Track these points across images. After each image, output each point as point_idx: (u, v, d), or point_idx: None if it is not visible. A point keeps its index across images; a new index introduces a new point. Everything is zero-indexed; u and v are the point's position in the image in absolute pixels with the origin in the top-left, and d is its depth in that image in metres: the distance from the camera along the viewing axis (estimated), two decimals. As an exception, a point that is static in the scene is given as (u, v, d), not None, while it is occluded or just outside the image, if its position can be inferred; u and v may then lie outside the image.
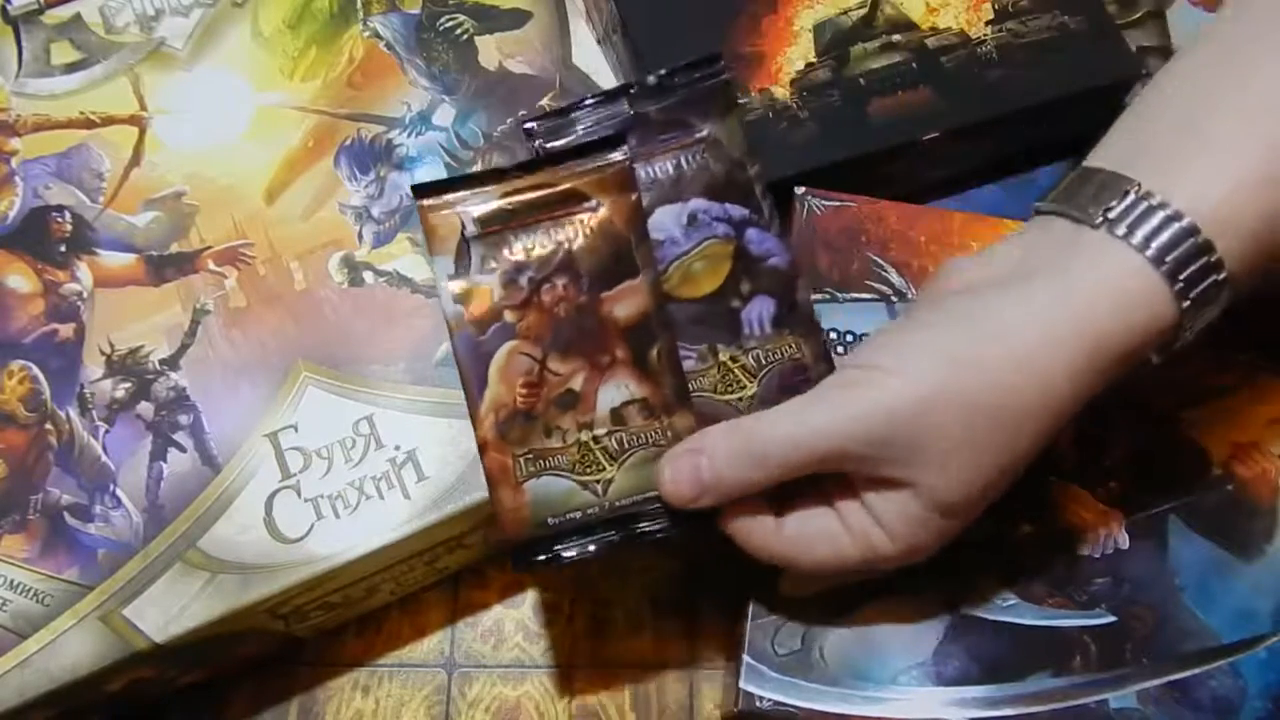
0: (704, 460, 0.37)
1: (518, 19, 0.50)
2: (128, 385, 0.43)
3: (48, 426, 0.43)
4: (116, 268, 0.45)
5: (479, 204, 0.40)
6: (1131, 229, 0.34)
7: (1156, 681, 0.41)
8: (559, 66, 0.49)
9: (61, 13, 0.49)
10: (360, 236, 0.46)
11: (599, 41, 0.51)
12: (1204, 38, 0.37)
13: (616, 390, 0.39)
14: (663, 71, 0.42)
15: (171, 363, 0.44)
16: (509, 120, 0.48)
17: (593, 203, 0.40)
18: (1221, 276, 0.34)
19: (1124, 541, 0.43)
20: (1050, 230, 0.36)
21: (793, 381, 0.40)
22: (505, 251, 0.40)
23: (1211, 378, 0.43)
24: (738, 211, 0.42)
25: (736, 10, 0.51)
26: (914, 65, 0.50)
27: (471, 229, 0.40)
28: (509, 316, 0.39)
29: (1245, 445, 0.44)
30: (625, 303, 0.39)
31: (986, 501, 0.36)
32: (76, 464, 0.42)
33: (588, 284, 0.39)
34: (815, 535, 0.37)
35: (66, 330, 0.44)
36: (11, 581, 0.41)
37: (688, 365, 0.40)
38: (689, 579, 0.51)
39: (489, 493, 0.39)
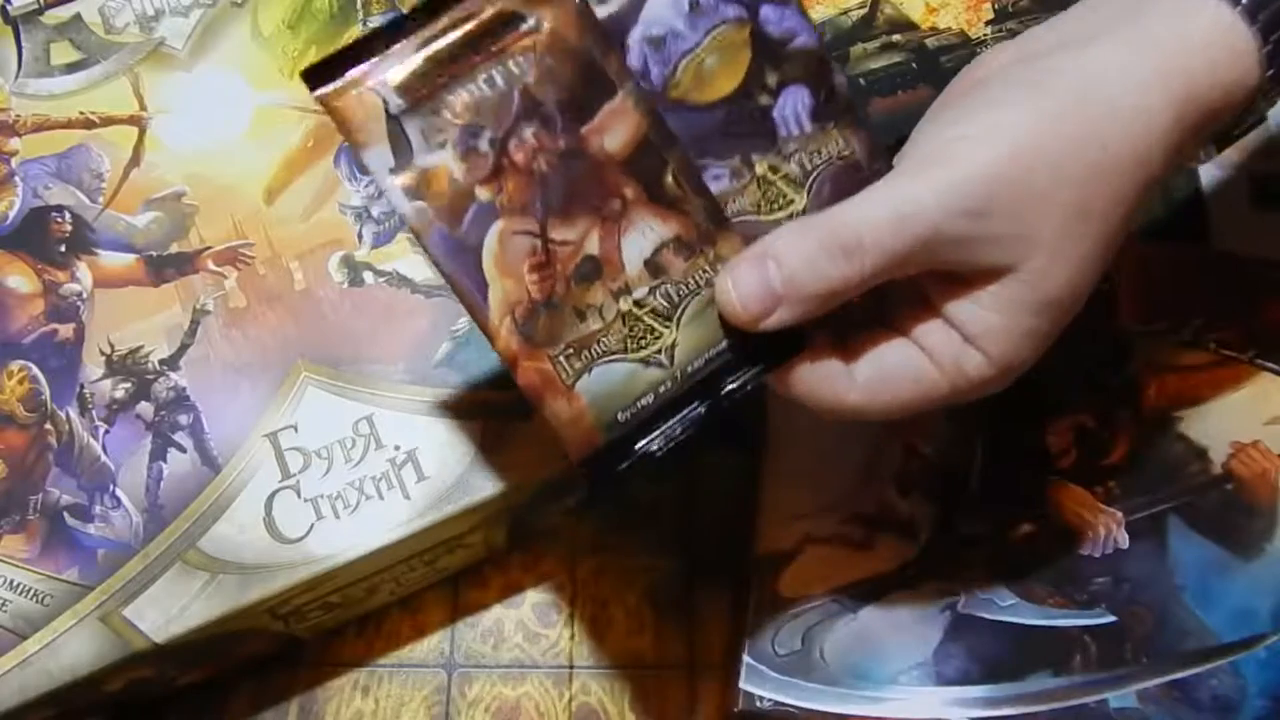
0: (771, 265, 0.30)
1: (517, 19, 0.50)
2: (127, 385, 0.43)
3: (47, 427, 0.43)
4: (116, 268, 0.45)
5: (393, 69, 0.30)
6: None
7: (1156, 681, 0.41)
8: (559, 66, 0.49)
9: (61, 13, 0.49)
10: (360, 236, 0.46)
11: (599, 41, 0.51)
12: None
13: (641, 237, 0.32)
14: None
15: (171, 363, 0.44)
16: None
17: (531, 21, 0.31)
18: None
19: (1124, 541, 0.43)
20: None
21: (849, 186, 0.33)
22: (448, 116, 0.31)
23: (1211, 377, 0.43)
24: None
25: (736, 10, 0.51)
26: (914, 65, 0.50)
27: (396, 102, 0.30)
28: (483, 194, 0.31)
29: (1245, 445, 0.44)
30: (614, 130, 0.32)
31: (1084, 296, 0.32)
32: (76, 464, 0.42)
33: (561, 122, 0.31)
34: (896, 373, 0.32)
35: (66, 330, 0.44)
36: (11, 582, 0.41)
37: (719, 187, 0.33)
38: (689, 579, 0.51)
39: (536, 411, 0.32)
